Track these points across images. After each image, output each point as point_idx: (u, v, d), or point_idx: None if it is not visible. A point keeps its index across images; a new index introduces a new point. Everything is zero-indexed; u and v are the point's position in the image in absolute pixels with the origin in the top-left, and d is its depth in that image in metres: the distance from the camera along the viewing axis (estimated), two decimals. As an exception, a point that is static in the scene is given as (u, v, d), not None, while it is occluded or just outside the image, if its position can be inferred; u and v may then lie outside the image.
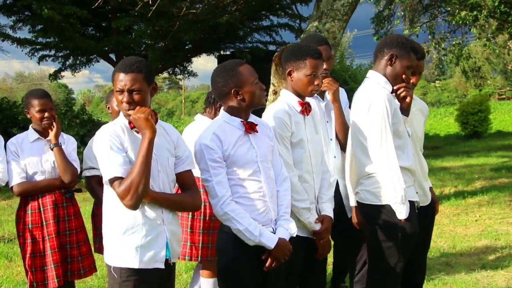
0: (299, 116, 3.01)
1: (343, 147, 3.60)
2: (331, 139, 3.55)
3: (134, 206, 2.40)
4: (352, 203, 3.38)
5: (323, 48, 3.43)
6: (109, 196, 2.52)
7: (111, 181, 2.41)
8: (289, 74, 3.04)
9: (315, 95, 3.29)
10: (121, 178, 2.38)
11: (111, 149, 2.42)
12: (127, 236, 2.47)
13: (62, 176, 3.67)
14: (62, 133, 3.84)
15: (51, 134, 3.68)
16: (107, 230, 2.55)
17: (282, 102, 3.04)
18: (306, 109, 3.04)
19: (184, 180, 2.66)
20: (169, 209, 2.57)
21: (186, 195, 2.64)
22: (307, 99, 3.12)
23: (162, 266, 2.54)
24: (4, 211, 8.80)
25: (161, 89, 53.57)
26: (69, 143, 3.83)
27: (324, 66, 3.31)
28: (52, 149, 3.67)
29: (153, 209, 2.51)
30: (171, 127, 2.74)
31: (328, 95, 3.63)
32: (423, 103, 3.73)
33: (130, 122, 2.51)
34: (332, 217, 3.10)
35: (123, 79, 2.47)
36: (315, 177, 3.06)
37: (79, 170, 3.80)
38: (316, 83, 2.98)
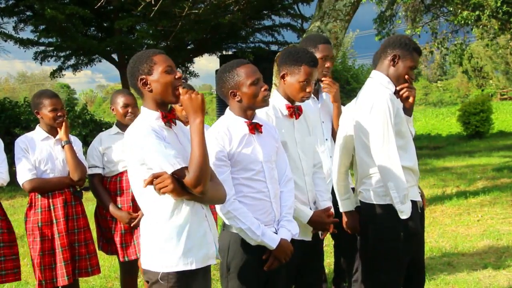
0: (284, 120, 3.01)
1: None
2: (326, 139, 3.55)
3: (206, 191, 2.33)
4: (343, 208, 3.40)
5: (325, 47, 3.44)
6: (152, 200, 2.39)
7: (178, 172, 2.30)
8: (283, 77, 3.04)
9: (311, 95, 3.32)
10: (185, 167, 2.30)
11: (162, 143, 2.31)
12: (179, 239, 2.37)
13: (72, 174, 3.74)
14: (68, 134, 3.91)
15: (61, 132, 3.74)
16: (153, 237, 2.41)
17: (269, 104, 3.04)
18: (294, 113, 3.03)
19: None
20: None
21: (210, 186, 2.41)
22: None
23: (215, 261, 2.51)
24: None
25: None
26: (75, 143, 3.88)
27: (327, 65, 3.31)
28: (63, 147, 3.73)
29: (198, 206, 2.43)
30: None
31: (325, 95, 3.64)
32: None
33: (163, 117, 2.41)
34: (333, 210, 3.12)
35: (168, 59, 2.43)
36: (306, 179, 3.05)
37: (87, 170, 3.86)
38: (308, 90, 2.98)
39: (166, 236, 2.38)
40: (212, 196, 2.45)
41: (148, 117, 2.43)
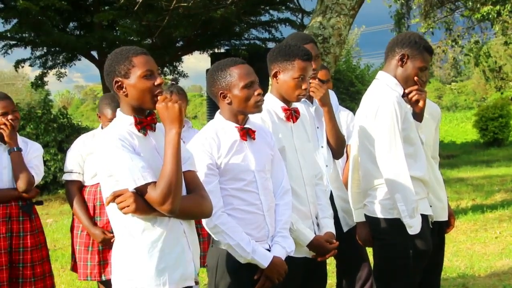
0: (281, 124, 3.01)
1: (335, 155, 3.61)
2: (321, 147, 3.56)
3: (174, 210, 2.26)
4: (356, 218, 3.40)
5: (309, 46, 3.44)
6: (119, 214, 2.32)
7: (142, 189, 2.25)
8: (275, 75, 3.03)
9: (304, 99, 3.30)
10: (152, 183, 2.26)
11: (129, 153, 2.26)
12: (151, 257, 2.32)
13: (17, 183, 3.68)
14: (26, 139, 3.90)
15: (6, 137, 3.68)
16: (123, 254, 2.38)
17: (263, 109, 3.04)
18: (292, 115, 3.03)
19: (186, 181, 2.43)
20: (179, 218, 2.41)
21: (191, 198, 2.40)
22: (295, 104, 3.10)
23: (193, 283, 2.46)
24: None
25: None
26: (32, 149, 3.85)
27: (313, 66, 3.33)
28: (9, 153, 3.70)
29: (175, 220, 2.37)
30: None
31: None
32: (434, 105, 3.70)
33: (137, 123, 2.37)
34: (334, 233, 3.10)
35: (149, 62, 2.38)
36: (308, 189, 3.03)
37: (38, 179, 3.81)
38: (303, 87, 2.96)
39: (137, 253, 2.34)
40: (194, 211, 2.41)
41: (122, 123, 2.41)
